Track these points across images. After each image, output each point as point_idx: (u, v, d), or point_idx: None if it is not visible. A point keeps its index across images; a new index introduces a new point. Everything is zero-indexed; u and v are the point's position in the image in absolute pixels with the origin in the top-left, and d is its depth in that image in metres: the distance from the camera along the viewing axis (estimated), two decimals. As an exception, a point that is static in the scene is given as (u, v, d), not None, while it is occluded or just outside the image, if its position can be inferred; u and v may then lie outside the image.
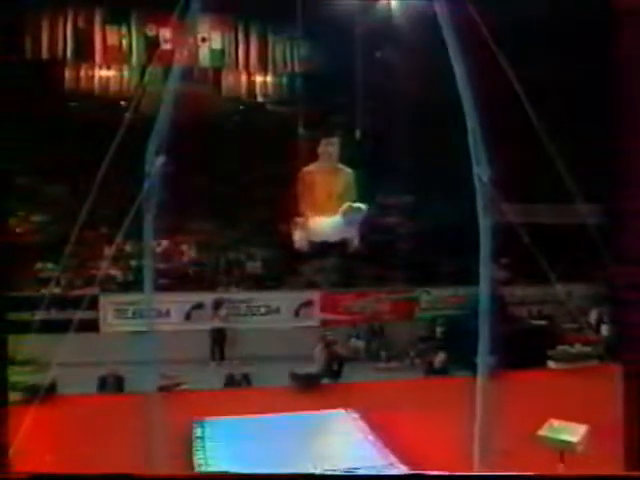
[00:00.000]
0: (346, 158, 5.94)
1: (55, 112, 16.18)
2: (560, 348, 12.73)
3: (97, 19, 16.40)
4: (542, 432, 7.02)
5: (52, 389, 9.40)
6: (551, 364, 12.43)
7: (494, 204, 7.01)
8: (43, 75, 16.08)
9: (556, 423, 7.17)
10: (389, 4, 16.22)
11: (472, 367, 8.25)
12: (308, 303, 14.67)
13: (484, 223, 7.12)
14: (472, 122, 6.83)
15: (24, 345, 8.15)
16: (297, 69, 17.27)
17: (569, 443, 6.79)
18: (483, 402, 7.19)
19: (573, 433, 6.92)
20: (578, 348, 12.54)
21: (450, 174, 12.56)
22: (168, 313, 13.80)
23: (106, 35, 16.49)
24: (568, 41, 13.78)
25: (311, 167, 5.72)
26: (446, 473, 3.64)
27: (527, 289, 15.03)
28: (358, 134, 6.42)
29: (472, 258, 7.44)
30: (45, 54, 16.09)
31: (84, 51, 16.49)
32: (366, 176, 6.04)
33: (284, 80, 18.00)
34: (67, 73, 17.04)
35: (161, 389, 9.02)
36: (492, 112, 6.79)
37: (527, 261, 7.85)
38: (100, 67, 17.18)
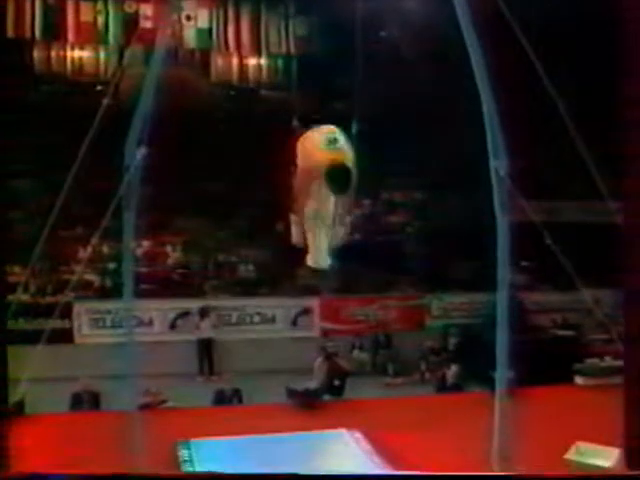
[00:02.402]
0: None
1: (23, 97, 16.20)
2: (588, 362, 12.71)
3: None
4: (570, 456, 7.04)
5: (19, 408, 9.41)
6: (578, 379, 12.41)
7: (513, 201, 7.05)
8: (8, 56, 16.08)
9: (583, 446, 7.19)
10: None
11: (489, 382, 8.30)
12: (306, 311, 14.71)
13: (502, 222, 7.16)
14: (489, 110, 6.87)
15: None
16: (293, 50, 17.27)
17: (602, 469, 6.80)
18: (501, 421, 7.23)
19: (605, 457, 6.94)
20: (609, 362, 12.50)
21: (464, 167, 12.61)
22: (150, 322, 13.84)
23: (79, 10, 16.48)
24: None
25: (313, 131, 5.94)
26: (446, 473, 3.69)
27: (550, 295, 15.07)
28: (361, 123, 6.46)
29: (488, 261, 7.48)
30: (10, 32, 16.05)
31: (55, 29, 16.48)
32: (370, 170, 6.08)
33: (279, 63, 18.03)
34: (36, 54, 17.09)
35: (143, 407, 9.09)
36: (510, 98, 6.83)
37: (550, 264, 7.88)
38: (73, 47, 17.22)
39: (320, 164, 5.74)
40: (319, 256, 5.99)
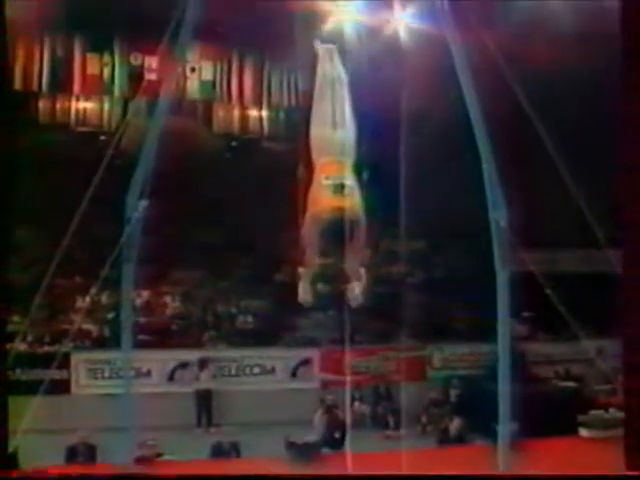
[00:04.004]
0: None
1: (27, 147, 16.39)
2: (592, 413, 12.60)
3: (76, 46, 16.72)
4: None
5: (12, 461, 9.27)
6: (582, 432, 12.29)
7: (513, 251, 7.08)
8: (15, 107, 16.33)
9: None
10: (396, 31, 16.59)
11: (492, 435, 8.20)
12: (306, 362, 14.60)
13: (502, 272, 7.18)
14: (488, 161, 6.96)
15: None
16: (295, 102, 17.53)
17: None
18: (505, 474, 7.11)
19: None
20: (613, 413, 12.40)
21: (465, 218, 12.68)
22: (148, 373, 13.72)
23: (86, 63, 16.79)
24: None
25: None
26: (446, 473, 3.64)
27: (552, 346, 14.97)
28: (362, 173, 6.52)
29: (489, 311, 7.47)
30: (18, 84, 16.35)
31: (61, 81, 16.77)
32: (371, 218, 6.11)
33: (281, 115, 18.27)
34: (42, 105, 17.31)
35: (139, 460, 8.96)
36: (509, 149, 6.92)
37: (551, 314, 7.86)
38: (78, 98, 17.47)
39: (324, 212, 5.39)
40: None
